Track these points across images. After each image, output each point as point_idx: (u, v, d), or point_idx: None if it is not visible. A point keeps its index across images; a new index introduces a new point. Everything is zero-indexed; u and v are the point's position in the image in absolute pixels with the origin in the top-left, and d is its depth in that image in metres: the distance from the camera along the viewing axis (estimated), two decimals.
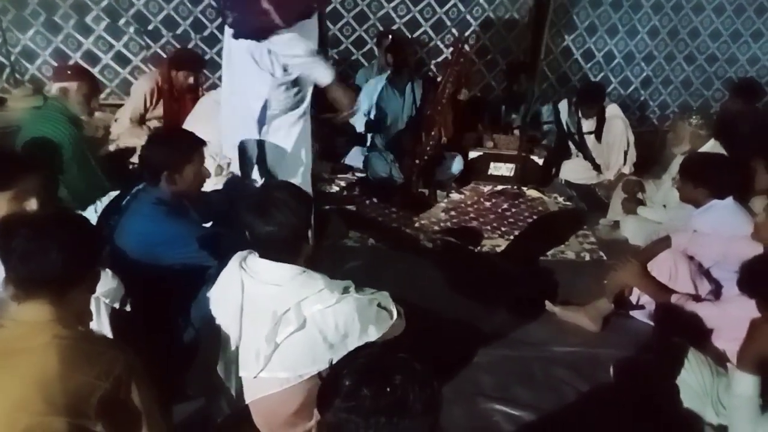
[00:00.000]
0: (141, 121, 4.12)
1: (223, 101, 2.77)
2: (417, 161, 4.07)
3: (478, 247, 3.59)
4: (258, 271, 1.72)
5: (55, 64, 4.71)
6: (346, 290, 1.72)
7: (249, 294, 1.71)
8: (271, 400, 1.72)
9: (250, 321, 1.71)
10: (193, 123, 3.39)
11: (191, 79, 4.07)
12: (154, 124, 4.15)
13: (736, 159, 3.16)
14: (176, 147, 2.25)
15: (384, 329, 1.76)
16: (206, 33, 5.04)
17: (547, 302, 2.92)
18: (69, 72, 3.22)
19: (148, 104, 4.08)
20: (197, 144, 2.32)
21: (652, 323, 2.77)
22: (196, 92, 4.23)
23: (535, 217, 4.07)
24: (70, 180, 2.97)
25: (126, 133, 4.01)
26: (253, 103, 2.55)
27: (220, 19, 4.99)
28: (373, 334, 1.72)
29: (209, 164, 2.42)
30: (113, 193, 2.80)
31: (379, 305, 1.79)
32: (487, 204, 4.20)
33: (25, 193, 1.99)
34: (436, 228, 3.79)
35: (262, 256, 1.74)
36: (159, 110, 4.14)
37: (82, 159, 3.03)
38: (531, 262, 3.48)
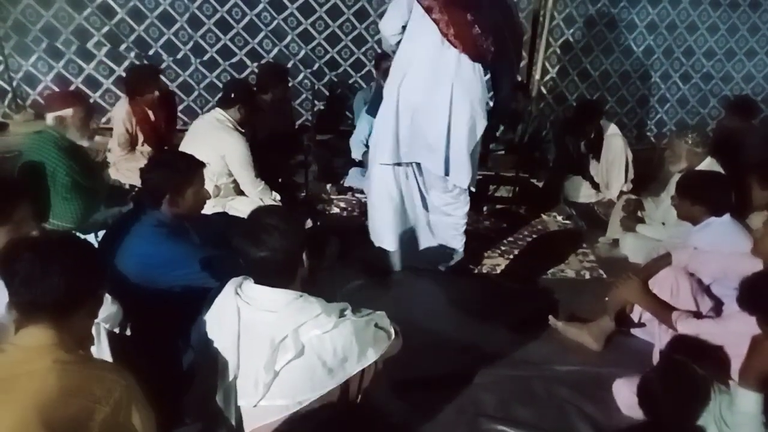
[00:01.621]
0: (132, 146, 4.12)
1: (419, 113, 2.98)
2: None
3: (478, 267, 3.59)
4: (254, 298, 1.72)
5: (53, 90, 4.76)
6: (342, 313, 1.72)
7: (245, 321, 1.70)
8: (270, 428, 1.71)
9: (248, 349, 1.70)
10: (189, 145, 3.41)
11: (156, 93, 4.03)
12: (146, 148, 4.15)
13: (733, 176, 3.18)
14: (177, 169, 2.27)
15: (382, 350, 1.76)
16: (206, 57, 5.11)
17: (550, 317, 2.92)
18: (62, 100, 3.19)
19: (129, 129, 4.06)
20: (197, 166, 2.34)
21: (653, 341, 2.76)
22: (165, 97, 4.26)
23: (534, 236, 4.08)
24: (62, 209, 2.98)
25: (121, 160, 4.03)
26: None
27: (219, 44, 5.07)
28: (371, 356, 1.71)
29: (208, 185, 2.44)
30: None
31: (376, 326, 1.78)
32: (486, 223, 4.21)
33: (22, 222, 1.99)
34: None
35: (257, 282, 1.73)
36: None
37: (76, 189, 3.01)
38: (531, 280, 3.48)
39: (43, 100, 3.47)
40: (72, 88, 4.88)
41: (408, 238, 3.29)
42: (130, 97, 4.04)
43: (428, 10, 2.82)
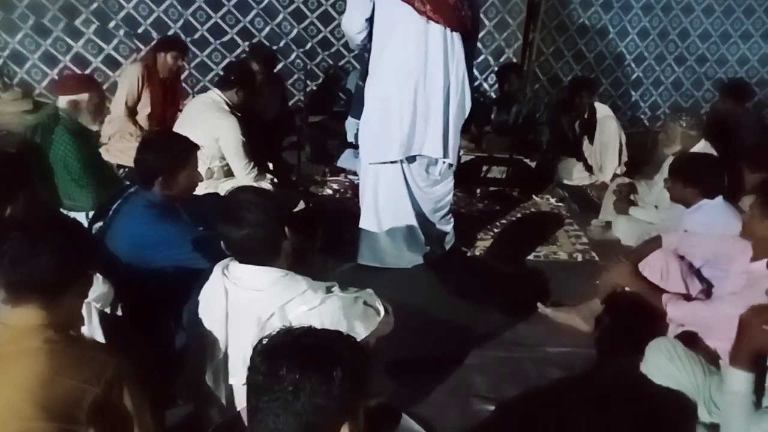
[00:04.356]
0: (133, 111, 4.10)
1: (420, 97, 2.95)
2: None
3: (471, 249, 3.60)
4: (240, 277, 1.71)
5: (47, 73, 4.71)
6: (329, 290, 1.71)
7: (233, 301, 1.70)
8: None
9: (236, 328, 1.70)
10: (183, 126, 3.38)
11: (177, 61, 4.14)
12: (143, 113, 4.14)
13: (726, 159, 3.19)
14: (171, 152, 2.24)
15: (372, 326, 1.75)
16: (197, 36, 5.04)
17: (539, 304, 2.93)
18: (77, 83, 3.12)
19: (140, 88, 4.06)
20: (192, 148, 2.32)
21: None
22: (178, 78, 4.36)
23: (527, 218, 4.09)
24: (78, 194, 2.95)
25: (117, 135, 3.99)
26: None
27: (210, 22, 5.00)
28: (360, 332, 1.71)
29: (200, 168, 2.42)
30: None
31: (364, 303, 1.78)
32: (480, 206, 4.21)
33: (29, 203, 1.98)
34: None
35: (242, 261, 1.72)
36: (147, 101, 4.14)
37: (89, 173, 2.96)
38: (523, 263, 3.50)
39: (58, 83, 3.42)
40: (60, 66, 4.82)
41: (401, 231, 3.24)
42: (153, 52, 4.16)
43: None
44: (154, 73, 4.10)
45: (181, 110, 4.40)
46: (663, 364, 2.16)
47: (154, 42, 4.38)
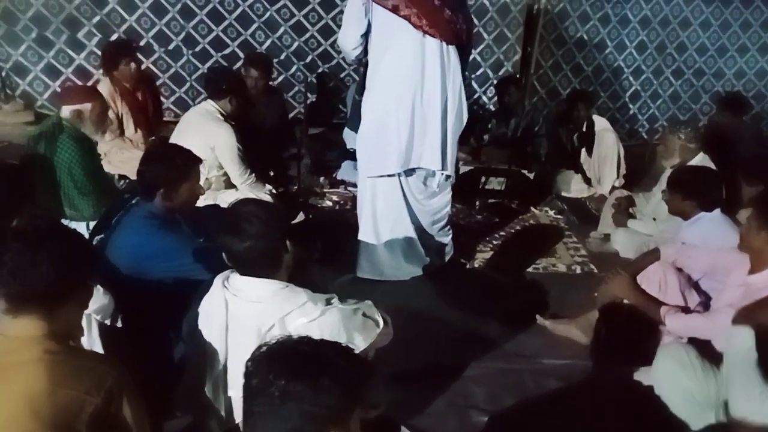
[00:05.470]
0: (120, 130, 4.08)
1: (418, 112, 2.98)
2: None
3: (470, 261, 3.60)
4: (240, 289, 1.72)
5: (49, 85, 4.73)
6: (328, 302, 1.72)
7: (233, 312, 1.71)
8: None
9: (236, 339, 1.70)
10: (179, 137, 3.38)
11: (131, 64, 4.00)
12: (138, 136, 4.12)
13: (723, 172, 3.20)
14: (174, 164, 2.26)
15: (371, 338, 1.76)
16: (198, 49, 5.07)
17: (537, 316, 2.93)
18: (81, 93, 3.14)
19: (114, 108, 3.98)
20: (194, 162, 2.34)
21: None
22: (149, 81, 4.31)
23: (526, 230, 4.09)
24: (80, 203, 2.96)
25: (114, 150, 3.99)
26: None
27: (211, 35, 5.04)
28: (359, 343, 1.71)
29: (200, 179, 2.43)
30: None
31: (364, 315, 1.78)
32: (478, 217, 4.22)
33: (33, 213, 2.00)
34: None
35: (243, 273, 1.73)
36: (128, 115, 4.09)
37: (92, 183, 2.99)
38: (522, 274, 3.50)
39: (62, 92, 3.42)
40: (62, 78, 4.85)
41: (399, 243, 3.24)
42: (107, 72, 4.01)
43: (395, 10, 2.80)
44: (122, 86, 4.02)
45: (172, 121, 4.41)
46: (673, 371, 2.13)
47: (99, 62, 4.20)
